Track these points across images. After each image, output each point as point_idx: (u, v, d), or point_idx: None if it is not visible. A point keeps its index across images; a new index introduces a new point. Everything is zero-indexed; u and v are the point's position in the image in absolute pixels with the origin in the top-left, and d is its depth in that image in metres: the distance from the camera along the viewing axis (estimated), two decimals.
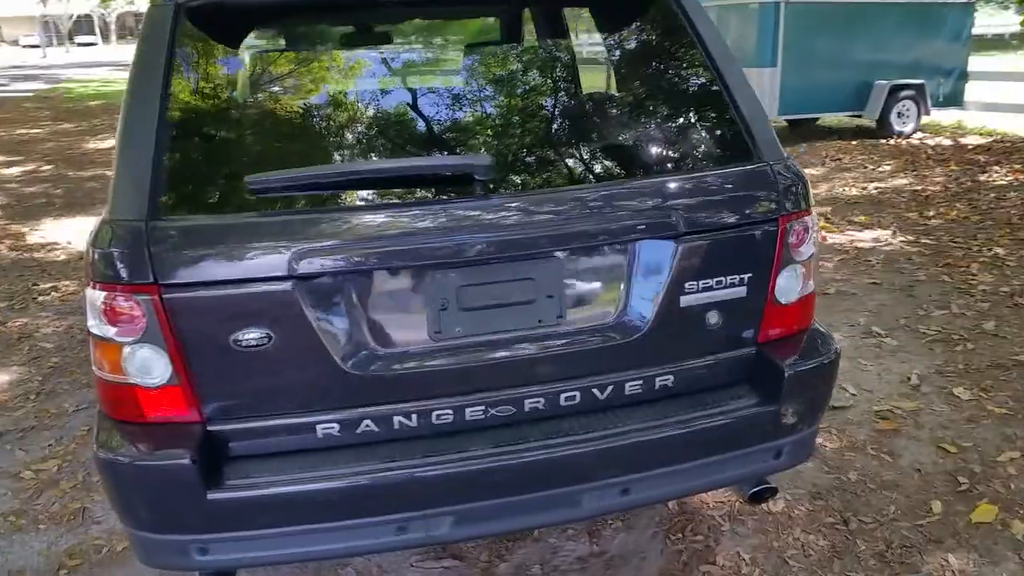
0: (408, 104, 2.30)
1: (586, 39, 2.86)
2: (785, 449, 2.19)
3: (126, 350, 1.84)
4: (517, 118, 2.32)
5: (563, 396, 2.05)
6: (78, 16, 63.24)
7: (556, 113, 2.35)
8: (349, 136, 2.21)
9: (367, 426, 1.98)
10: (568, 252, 2.00)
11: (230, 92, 2.22)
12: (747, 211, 2.08)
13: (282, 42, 2.60)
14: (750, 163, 2.13)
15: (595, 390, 2.08)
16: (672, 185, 2.08)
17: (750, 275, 2.12)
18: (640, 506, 2.32)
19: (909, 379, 3.97)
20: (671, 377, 2.11)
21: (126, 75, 2.04)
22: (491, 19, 3.01)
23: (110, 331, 1.84)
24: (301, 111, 2.28)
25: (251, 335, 1.86)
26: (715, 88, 2.23)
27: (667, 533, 2.86)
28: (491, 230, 1.92)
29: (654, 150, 2.28)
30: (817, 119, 12.15)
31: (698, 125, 2.31)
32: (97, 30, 71.97)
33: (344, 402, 1.96)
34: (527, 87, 2.44)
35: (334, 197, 1.98)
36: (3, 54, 55.99)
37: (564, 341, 2.04)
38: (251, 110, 2.24)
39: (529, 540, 2.81)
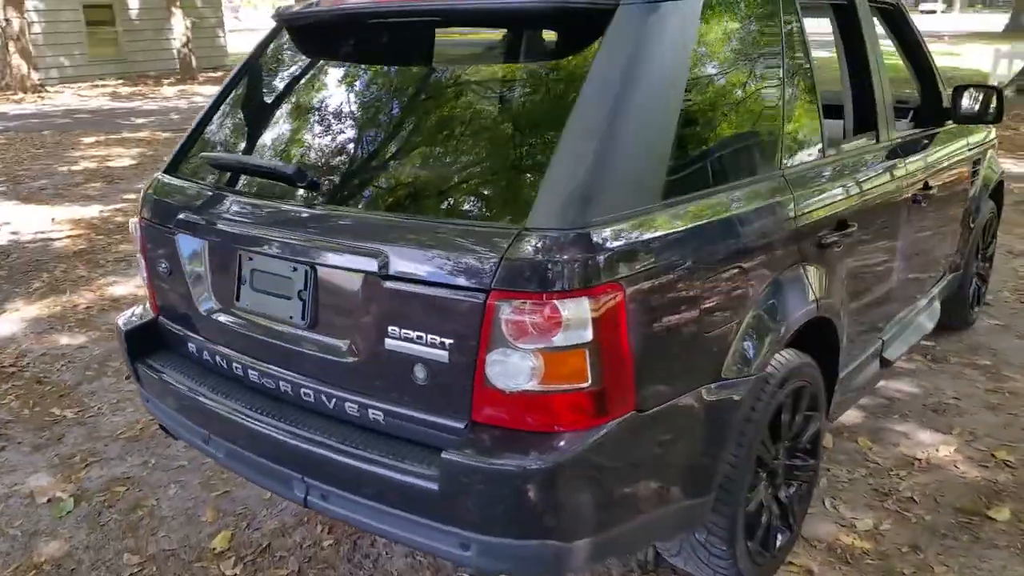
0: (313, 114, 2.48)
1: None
2: (475, 546, 1.87)
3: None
4: (357, 143, 2.30)
5: (302, 391, 2.17)
6: None
7: (393, 134, 2.24)
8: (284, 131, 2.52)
9: (205, 355, 2.44)
10: (316, 265, 2.06)
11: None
12: (453, 273, 1.81)
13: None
14: (499, 223, 1.83)
15: (324, 397, 2.13)
16: (393, 226, 1.94)
17: (451, 343, 1.83)
18: (343, 520, 2.20)
19: None
20: (381, 414, 2.03)
21: None
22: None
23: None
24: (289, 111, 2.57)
25: (164, 264, 2.49)
26: (545, 138, 1.94)
27: None
28: (273, 229, 2.15)
29: (432, 187, 2.03)
30: None
31: (494, 171, 2.00)
32: None
33: (197, 330, 2.45)
34: (389, 113, 2.33)
35: (216, 177, 2.46)
36: None
37: (306, 342, 2.13)
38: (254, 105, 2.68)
39: None
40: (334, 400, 2.08)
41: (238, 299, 2.26)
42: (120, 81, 21.40)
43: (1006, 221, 6.44)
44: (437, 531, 1.89)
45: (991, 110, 3.42)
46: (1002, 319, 4.54)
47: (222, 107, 2.62)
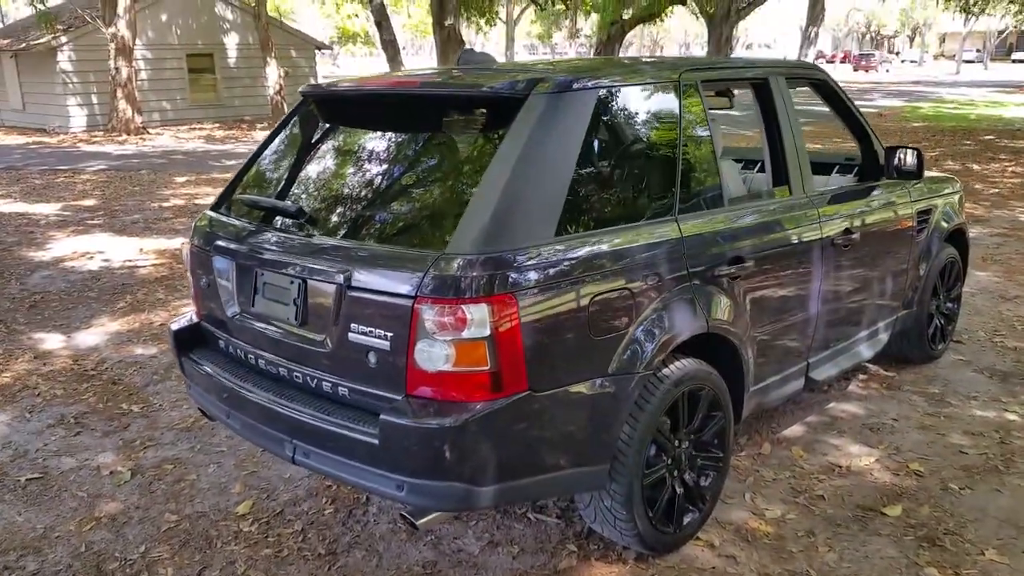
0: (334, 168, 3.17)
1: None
2: (406, 487, 2.46)
3: None
4: (343, 188, 3.02)
5: (294, 373, 2.82)
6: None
7: (363, 183, 2.96)
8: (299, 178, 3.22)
9: (230, 348, 3.12)
10: (305, 279, 2.70)
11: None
12: (392, 285, 2.45)
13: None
14: (427, 248, 2.47)
15: (308, 378, 2.77)
16: (355, 249, 2.62)
17: (391, 335, 2.45)
18: (319, 472, 2.82)
19: None
20: (346, 390, 2.64)
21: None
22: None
23: None
24: (318, 162, 3.26)
25: (205, 279, 3.16)
26: (465, 190, 2.60)
27: None
28: (278, 253, 2.83)
29: (389, 221, 2.74)
30: None
31: (427, 214, 2.69)
32: None
33: (225, 329, 3.11)
34: (369, 168, 3.01)
35: (245, 213, 3.15)
36: (936, 67, 58.18)
37: (297, 337, 2.78)
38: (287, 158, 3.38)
39: None
40: (315, 380, 2.71)
41: (253, 305, 2.92)
42: (216, 124, 22.94)
43: (1012, 268, 6.74)
44: (381, 476, 2.50)
45: (914, 168, 3.91)
46: (967, 355, 4.92)
47: (257, 160, 3.31)
